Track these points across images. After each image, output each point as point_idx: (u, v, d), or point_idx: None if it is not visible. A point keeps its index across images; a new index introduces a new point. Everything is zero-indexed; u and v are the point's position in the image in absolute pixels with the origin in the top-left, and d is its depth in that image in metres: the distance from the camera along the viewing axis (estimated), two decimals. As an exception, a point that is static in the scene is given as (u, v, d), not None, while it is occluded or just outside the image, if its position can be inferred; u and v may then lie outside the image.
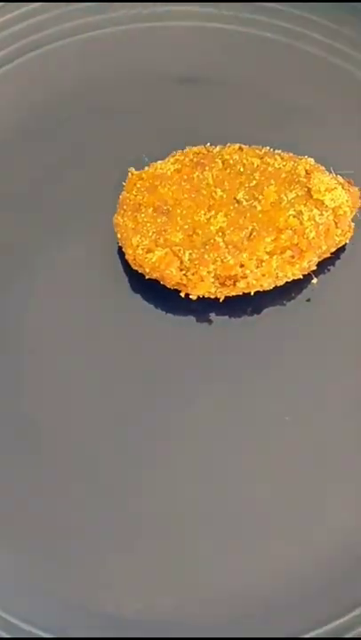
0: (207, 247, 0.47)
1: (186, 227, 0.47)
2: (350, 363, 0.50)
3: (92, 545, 0.46)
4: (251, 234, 0.47)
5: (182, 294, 0.49)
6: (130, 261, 0.49)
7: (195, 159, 0.49)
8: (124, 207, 0.49)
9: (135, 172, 0.50)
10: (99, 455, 0.48)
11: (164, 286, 0.49)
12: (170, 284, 0.48)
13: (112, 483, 0.47)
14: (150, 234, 0.47)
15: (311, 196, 0.48)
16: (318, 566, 0.45)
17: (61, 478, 0.47)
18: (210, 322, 0.50)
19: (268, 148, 0.51)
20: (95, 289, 0.51)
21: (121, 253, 0.50)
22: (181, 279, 0.48)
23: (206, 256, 0.47)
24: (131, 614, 0.44)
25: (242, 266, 0.47)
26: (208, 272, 0.47)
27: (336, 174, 0.50)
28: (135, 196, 0.49)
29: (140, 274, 0.49)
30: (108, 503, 0.46)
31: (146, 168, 0.50)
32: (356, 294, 0.51)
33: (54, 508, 0.46)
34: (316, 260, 0.49)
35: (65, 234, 0.52)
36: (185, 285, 0.48)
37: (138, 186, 0.49)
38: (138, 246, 0.48)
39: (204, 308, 0.50)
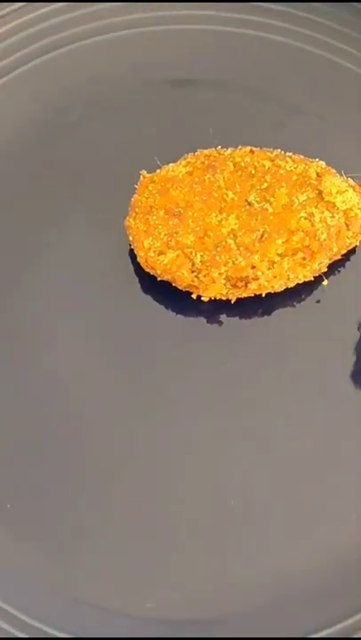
0: (219, 249, 0.47)
1: (197, 229, 0.48)
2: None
3: (99, 543, 0.46)
4: (262, 236, 0.47)
5: (193, 296, 0.49)
6: (142, 264, 0.49)
7: (206, 162, 0.50)
8: (136, 210, 0.49)
9: (147, 175, 0.51)
10: (107, 455, 0.48)
11: (175, 288, 0.49)
12: (181, 285, 0.49)
13: (114, 479, 0.48)
14: (162, 236, 0.48)
15: (322, 199, 0.48)
16: (320, 566, 0.45)
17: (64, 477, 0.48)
18: (220, 323, 0.51)
19: (279, 150, 0.51)
20: (107, 290, 0.52)
21: (133, 255, 0.51)
22: (193, 281, 0.48)
23: (218, 258, 0.47)
24: (139, 612, 0.44)
25: (253, 267, 0.47)
26: (219, 274, 0.47)
27: (347, 177, 0.50)
28: (147, 198, 0.49)
29: (152, 276, 0.50)
30: (111, 501, 0.47)
31: (157, 170, 0.51)
32: (367, 296, 0.51)
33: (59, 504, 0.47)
34: (326, 261, 0.49)
35: (77, 236, 0.53)
36: (196, 287, 0.48)
37: (150, 189, 0.49)
38: (149, 248, 0.48)
39: (214, 309, 0.50)
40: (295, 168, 0.49)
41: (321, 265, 0.49)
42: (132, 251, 0.50)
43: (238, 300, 0.49)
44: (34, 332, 0.51)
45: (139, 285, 0.51)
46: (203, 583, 0.45)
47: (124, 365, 0.50)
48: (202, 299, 0.49)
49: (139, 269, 0.50)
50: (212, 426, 0.48)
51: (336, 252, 0.49)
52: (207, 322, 0.50)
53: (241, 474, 0.47)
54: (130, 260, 0.51)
